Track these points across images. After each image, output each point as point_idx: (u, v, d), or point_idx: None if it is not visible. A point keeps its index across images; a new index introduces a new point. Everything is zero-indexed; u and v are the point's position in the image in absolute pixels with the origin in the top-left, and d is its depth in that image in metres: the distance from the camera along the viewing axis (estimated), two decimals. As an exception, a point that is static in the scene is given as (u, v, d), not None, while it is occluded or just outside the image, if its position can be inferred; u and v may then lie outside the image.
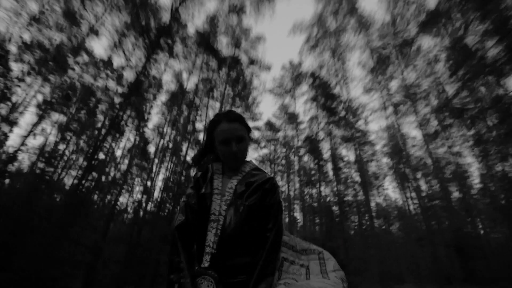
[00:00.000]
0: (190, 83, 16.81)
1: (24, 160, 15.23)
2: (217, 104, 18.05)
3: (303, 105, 22.22)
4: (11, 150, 12.98)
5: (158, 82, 15.49)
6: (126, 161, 19.51)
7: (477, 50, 9.98)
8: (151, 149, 20.24)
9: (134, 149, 19.39)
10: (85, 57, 15.39)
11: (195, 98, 17.64)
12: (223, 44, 15.32)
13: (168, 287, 0.95)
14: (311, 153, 19.74)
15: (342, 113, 17.13)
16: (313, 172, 22.63)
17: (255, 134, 25.30)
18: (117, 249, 11.31)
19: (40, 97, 16.78)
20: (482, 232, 20.22)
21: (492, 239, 19.09)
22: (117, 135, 13.45)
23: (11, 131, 14.43)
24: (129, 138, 20.50)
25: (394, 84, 15.09)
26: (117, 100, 18.65)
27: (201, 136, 20.34)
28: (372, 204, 23.98)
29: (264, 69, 17.32)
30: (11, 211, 4.69)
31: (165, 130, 19.61)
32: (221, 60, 14.90)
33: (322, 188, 22.16)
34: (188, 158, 19.76)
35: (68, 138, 15.94)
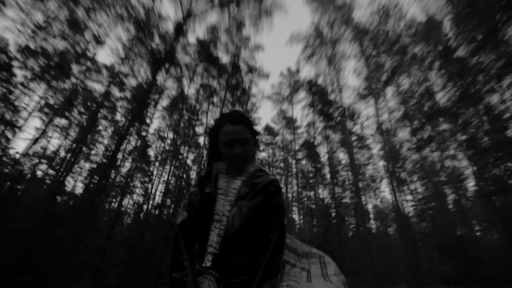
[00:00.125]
0: (191, 89, 17.14)
1: (35, 165, 15.55)
2: (217, 109, 18.47)
3: (300, 110, 22.81)
4: (21, 154, 13.34)
5: (160, 89, 15.86)
6: (127, 164, 19.83)
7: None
8: (152, 152, 20.59)
9: (135, 152, 19.66)
10: (88, 64, 15.70)
11: (196, 103, 18.02)
12: (223, 52, 15.85)
13: (170, 285, 0.96)
14: (309, 157, 20.15)
15: (339, 119, 17.59)
16: (310, 175, 23.07)
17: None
18: (119, 251, 11.61)
19: (43, 102, 17.15)
20: (478, 233, 20.62)
21: (488, 240, 19.43)
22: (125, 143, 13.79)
23: (14, 135, 14.74)
24: (129, 141, 20.86)
25: (389, 90, 15.61)
26: (119, 105, 19.06)
27: (200, 140, 20.72)
28: (369, 207, 24.45)
29: (263, 77, 17.84)
30: (28, 217, 5.03)
31: (165, 134, 19.97)
32: (221, 68, 15.37)
33: (320, 191, 22.61)
34: (189, 162, 20.15)
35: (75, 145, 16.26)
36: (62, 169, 13.74)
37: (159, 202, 15.91)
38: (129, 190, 17.51)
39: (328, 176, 20.90)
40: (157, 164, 19.24)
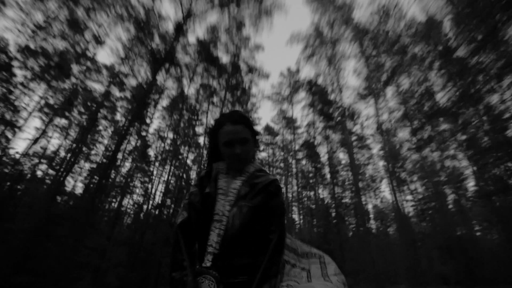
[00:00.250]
0: (191, 89, 17.17)
1: (35, 165, 15.57)
2: (217, 109, 18.49)
3: (301, 110, 22.84)
4: (21, 154, 13.36)
5: (159, 89, 15.89)
6: (127, 164, 19.86)
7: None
8: (152, 152, 20.62)
9: (135, 152, 19.68)
10: (88, 64, 15.72)
11: (196, 103, 18.04)
12: (223, 52, 15.89)
13: (170, 285, 0.96)
14: (309, 157, 20.17)
15: (339, 119, 17.62)
16: (310, 175, 23.10)
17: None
18: (119, 251, 11.63)
19: (43, 102, 17.17)
20: (479, 233, 20.63)
21: (488, 240, 19.44)
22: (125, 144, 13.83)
23: (14, 135, 14.76)
24: (129, 141, 20.88)
25: (389, 90, 15.65)
26: (119, 104, 19.07)
27: (200, 140, 20.75)
28: (370, 206, 24.48)
29: (263, 77, 17.88)
30: (28, 216, 5.04)
31: (165, 134, 19.99)
32: (221, 68, 15.39)
33: (320, 191, 22.64)
34: (189, 162, 20.17)
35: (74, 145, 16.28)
36: (62, 169, 13.76)
37: (159, 202, 15.94)
38: (129, 190, 17.53)
39: (328, 176, 20.93)
40: (157, 164, 19.27)
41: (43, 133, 15.01)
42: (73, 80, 15.97)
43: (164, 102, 18.73)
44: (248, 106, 18.25)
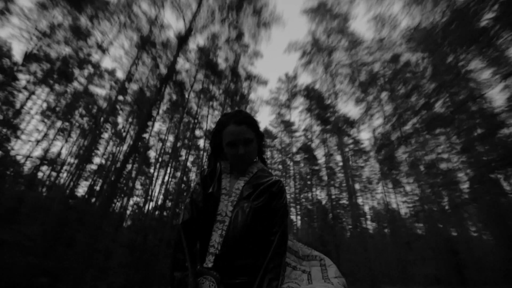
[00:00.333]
0: (191, 93, 17.51)
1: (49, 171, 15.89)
2: (216, 113, 18.86)
3: (298, 114, 23.32)
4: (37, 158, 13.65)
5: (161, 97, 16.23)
6: (127, 166, 20.11)
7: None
8: (152, 154, 20.92)
9: (136, 155, 19.93)
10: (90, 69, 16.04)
11: (195, 106, 18.39)
12: (223, 59, 16.35)
13: (171, 285, 0.96)
14: (306, 159, 20.56)
15: (335, 123, 18.03)
16: (308, 177, 23.48)
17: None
18: (120, 251, 11.92)
19: (45, 105, 17.46)
20: (475, 234, 20.99)
21: (483, 241, 19.75)
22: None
23: (17, 137, 15.06)
24: (129, 144, 21.16)
25: (384, 96, 16.02)
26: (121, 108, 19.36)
27: (200, 142, 21.08)
28: (366, 208, 24.88)
29: (261, 84, 18.35)
30: (43, 220, 5.37)
31: (166, 137, 20.30)
32: (220, 75, 15.80)
33: (318, 192, 23.02)
34: (189, 164, 20.48)
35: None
36: (74, 174, 14.09)
37: (160, 204, 16.28)
38: (129, 192, 17.82)
39: (325, 178, 21.33)
40: (157, 166, 19.57)
41: (54, 137, 15.30)
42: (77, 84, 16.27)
43: (165, 105, 19.04)
44: (246, 110, 18.58)
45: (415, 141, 13.68)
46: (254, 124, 1.13)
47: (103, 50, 14.02)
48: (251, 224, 1.01)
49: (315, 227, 21.50)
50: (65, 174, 18.17)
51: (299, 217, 25.13)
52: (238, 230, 1.00)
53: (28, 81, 15.23)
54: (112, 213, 12.73)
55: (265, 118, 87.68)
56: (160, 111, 19.44)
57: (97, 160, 18.89)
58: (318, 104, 19.14)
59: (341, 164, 21.22)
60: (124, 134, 19.95)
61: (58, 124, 18.40)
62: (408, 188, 21.50)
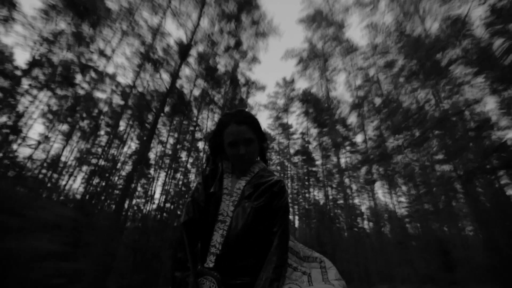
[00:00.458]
0: (191, 95, 17.89)
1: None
2: (216, 116, 19.23)
3: (296, 117, 23.86)
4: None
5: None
6: (126, 167, 20.40)
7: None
8: (152, 156, 21.18)
9: (135, 156, 20.20)
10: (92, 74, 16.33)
11: (195, 110, 18.73)
12: (222, 64, 16.83)
13: (172, 284, 0.96)
14: (304, 161, 20.98)
15: (332, 125, 18.48)
16: (306, 177, 23.91)
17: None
18: (121, 251, 12.25)
19: (46, 109, 17.73)
20: (471, 233, 21.37)
21: (478, 240, 20.11)
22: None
23: (24, 140, 15.32)
24: (130, 146, 21.46)
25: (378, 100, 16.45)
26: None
27: (199, 144, 21.39)
28: (363, 208, 25.30)
29: (259, 89, 18.83)
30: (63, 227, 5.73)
31: (166, 139, 20.62)
32: (219, 80, 16.22)
33: (315, 193, 23.45)
34: (188, 165, 20.80)
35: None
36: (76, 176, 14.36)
37: (160, 205, 16.58)
38: (131, 193, 18.09)
39: (322, 178, 21.76)
40: (157, 167, 19.86)
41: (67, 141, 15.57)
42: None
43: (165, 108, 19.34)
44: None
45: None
46: (255, 124, 1.12)
47: (105, 56, 14.34)
48: (252, 224, 1.00)
49: (312, 227, 21.89)
50: (66, 176, 18.52)
51: (297, 217, 25.55)
52: (239, 230, 0.99)
53: (30, 85, 15.52)
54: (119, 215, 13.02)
55: (263, 121, 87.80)
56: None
57: (97, 161, 19.16)
58: (315, 108, 19.65)
59: (339, 165, 21.67)
60: (125, 136, 20.31)
61: (60, 127, 18.73)
62: (404, 188, 21.90)
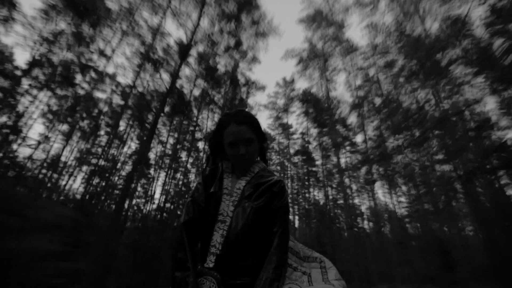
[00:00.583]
0: (191, 95, 17.91)
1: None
2: (216, 116, 19.24)
3: (296, 117, 23.89)
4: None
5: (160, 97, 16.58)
6: (126, 167, 20.43)
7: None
8: (152, 156, 21.22)
9: (135, 156, 20.22)
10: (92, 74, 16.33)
11: (195, 109, 18.75)
12: (222, 64, 16.89)
13: (172, 284, 0.96)
14: (304, 161, 20.99)
15: (332, 125, 18.51)
16: (306, 177, 23.94)
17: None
18: (121, 252, 12.29)
19: (46, 109, 17.75)
20: (472, 233, 21.40)
21: (478, 240, 20.14)
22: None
23: (24, 140, 15.33)
24: (130, 146, 21.50)
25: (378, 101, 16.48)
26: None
27: (199, 144, 21.42)
28: (363, 208, 25.32)
29: (259, 89, 18.87)
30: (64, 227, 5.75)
31: (166, 139, 20.64)
32: (219, 80, 16.26)
33: (315, 193, 23.46)
34: (188, 165, 20.84)
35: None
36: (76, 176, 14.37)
37: (160, 205, 16.61)
38: (131, 193, 18.10)
39: (322, 178, 21.79)
40: (157, 167, 19.89)
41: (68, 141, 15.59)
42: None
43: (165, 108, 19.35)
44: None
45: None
46: (255, 124, 1.12)
47: (105, 56, 14.35)
48: (252, 224, 1.00)
49: (312, 227, 21.90)
50: (66, 176, 18.55)
51: (297, 217, 25.57)
52: (239, 230, 0.99)
53: (30, 85, 15.54)
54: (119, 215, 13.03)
55: (263, 121, 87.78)
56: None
57: (96, 161, 19.18)
58: (315, 108, 19.69)
59: (339, 165, 21.70)
60: (125, 136, 20.34)
61: (60, 127, 18.76)
62: (404, 188, 21.93)
